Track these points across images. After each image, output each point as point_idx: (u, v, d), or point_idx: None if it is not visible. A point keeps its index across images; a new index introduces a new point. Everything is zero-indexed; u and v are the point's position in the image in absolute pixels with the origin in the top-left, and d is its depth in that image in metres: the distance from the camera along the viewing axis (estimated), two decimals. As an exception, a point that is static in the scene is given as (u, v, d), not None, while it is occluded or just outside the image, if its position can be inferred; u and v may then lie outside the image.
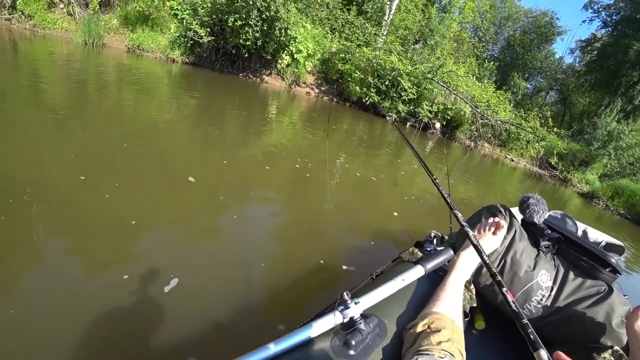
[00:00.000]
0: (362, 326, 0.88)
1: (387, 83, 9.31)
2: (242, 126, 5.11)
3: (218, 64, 9.41)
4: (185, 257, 1.94)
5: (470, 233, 1.26)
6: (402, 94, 9.17)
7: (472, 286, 1.38)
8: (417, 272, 1.17)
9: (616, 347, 1.24)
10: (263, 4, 8.19)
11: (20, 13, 7.91)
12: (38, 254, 1.71)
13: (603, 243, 1.59)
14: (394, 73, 9.21)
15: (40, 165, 2.44)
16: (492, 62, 18.10)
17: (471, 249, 1.29)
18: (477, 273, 1.40)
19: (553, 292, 1.34)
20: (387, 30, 12.63)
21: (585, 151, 13.53)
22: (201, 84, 7.62)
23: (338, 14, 12.08)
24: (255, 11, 8.21)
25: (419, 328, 0.94)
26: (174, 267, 1.81)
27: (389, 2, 12.55)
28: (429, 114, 9.27)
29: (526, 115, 11.63)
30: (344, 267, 2.27)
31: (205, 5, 8.55)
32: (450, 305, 1.05)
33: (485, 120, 10.33)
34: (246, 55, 9.17)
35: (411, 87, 9.17)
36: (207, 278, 1.85)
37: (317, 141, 5.16)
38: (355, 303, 0.91)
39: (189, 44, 8.96)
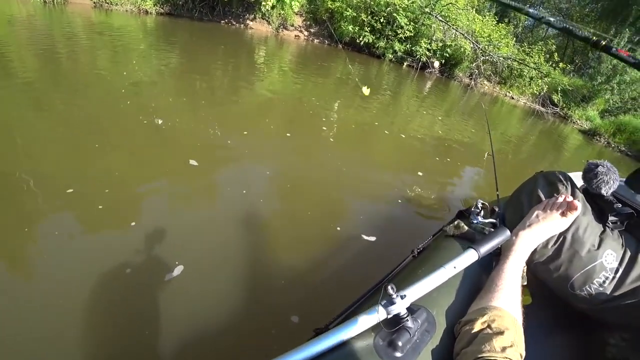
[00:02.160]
0: (409, 324, 0.79)
1: (382, 20, 8.61)
2: (231, 81, 4.68)
3: (196, 12, 8.60)
4: (189, 239, 1.72)
5: (534, 214, 1.19)
6: (399, 31, 8.54)
7: (525, 267, 1.24)
8: (469, 257, 1.03)
9: None
10: None
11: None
12: (37, 234, 1.55)
13: None
14: (389, 9, 8.48)
15: (29, 144, 2.16)
16: (492, -7, 16.90)
17: (533, 228, 1.17)
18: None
19: (618, 274, 1.20)
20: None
21: (587, 86, 13.11)
22: (180, 35, 6.94)
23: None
24: (234, -58, 7.34)
25: (477, 326, 0.82)
26: (178, 252, 1.61)
27: None
28: (427, 53, 8.72)
29: (530, 49, 11.02)
30: (364, 237, 2.04)
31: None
32: (511, 299, 0.92)
33: (487, 57, 9.78)
34: (226, 0, 8.36)
35: (408, 23, 8.52)
36: (213, 262, 1.63)
37: (314, 90, 4.81)
38: (402, 297, 0.81)
39: None
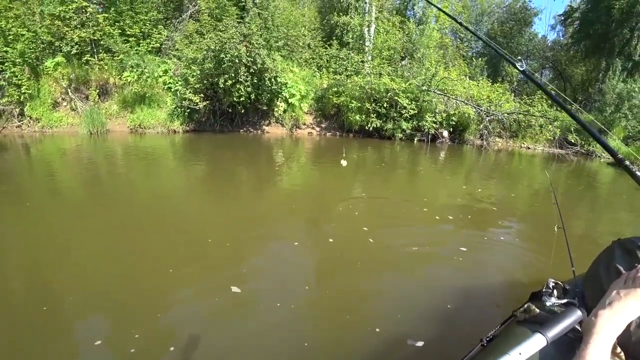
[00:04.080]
0: None
1: (385, 105, 9.32)
2: (255, 182, 5.06)
3: (218, 125, 9.63)
4: (212, 344, 1.74)
5: (614, 291, 1.01)
6: (403, 112, 9.15)
7: (618, 349, 1.10)
8: (537, 343, 0.95)
9: None
10: (249, 59, 8.45)
11: (28, 118, 8.39)
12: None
13: None
14: (389, 94, 9.24)
15: (76, 257, 2.41)
16: (479, 59, 18.17)
17: (615, 307, 1.03)
18: (626, 331, 1.08)
19: None
20: (372, 54, 12.86)
21: (600, 119, 13.13)
22: (205, 147, 7.78)
23: (321, 52, 12.39)
24: (243, 68, 8.46)
25: None
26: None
27: (367, 28, 12.87)
28: (434, 125, 9.18)
29: (530, 100, 11.41)
30: (409, 342, 1.79)
31: (194, 74, 8.88)
32: None
33: (492, 117, 10.16)
34: (242, 111, 9.38)
35: (410, 103, 9.15)
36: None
37: (334, 178, 5.07)
38: None
39: (186, 113, 9.26)
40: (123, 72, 9.16)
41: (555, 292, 1.20)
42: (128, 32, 9.57)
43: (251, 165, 6.06)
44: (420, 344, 1.78)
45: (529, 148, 11.37)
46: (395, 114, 9.20)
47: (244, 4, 10.86)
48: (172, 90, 9.43)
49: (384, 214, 3.92)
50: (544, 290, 1.19)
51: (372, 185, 5.01)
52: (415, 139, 9.22)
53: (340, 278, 2.47)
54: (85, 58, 8.98)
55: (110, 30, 9.11)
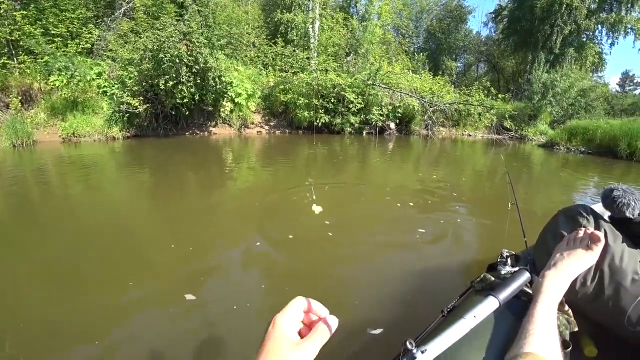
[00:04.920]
0: None
1: (332, 100, 9.42)
2: (205, 186, 4.84)
3: (161, 129, 9.12)
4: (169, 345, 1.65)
5: (557, 253, 1.13)
6: (350, 106, 9.31)
7: (567, 307, 1.17)
8: (489, 305, 1.01)
9: None
10: (190, 58, 8.11)
11: None
12: None
13: None
14: (336, 89, 9.35)
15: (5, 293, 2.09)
16: (420, 53, 19.05)
17: (559, 267, 1.13)
18: (571, 290, 1.18)
19: None
20: (317, 51, 12.96)
21: (529, 106, 14.28)
22: (148, 153, 7.27)
23: (266, 50, 12.26)
24: (184, 67, 8.10)
25: None
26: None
27: (311, 25, 12.94)
28: (381, 118, 9.45)
29: (469, 91, 12.16)
30: (370, 331, 1.77)
31: (132, 76, 8.35)
32: (545, 341, 0.88)
33: (435, 107, 10.66)
34: (187, 113, 8.97)
35: (356, 97, 9.33)
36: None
37: (286, 176, 5.00)
38: (422, 352, 0.78)
39: (125, 118, 8.56)
40: (49, 76, 8.31)
41: (509, 261, 1.26)
42: (53, 32, 8.76)
43: (200, 169, 5.77)
44: (378, 331, 1.78)
45: (470, 135, 12.10)
46: (343, 109, 9.34)
47: (182, 0, 10.43)
48: (108, 94, 8.76)
49: (342, 205, 3.93)
50: (498, 260, 1.25)
51: (327, 178, 4.99)
52: (364, 132, 9.43)
53: (300, 273, 2.42)
54: (2, 61, 8.09)
55: (31, 29, 8.26)
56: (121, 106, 8.37)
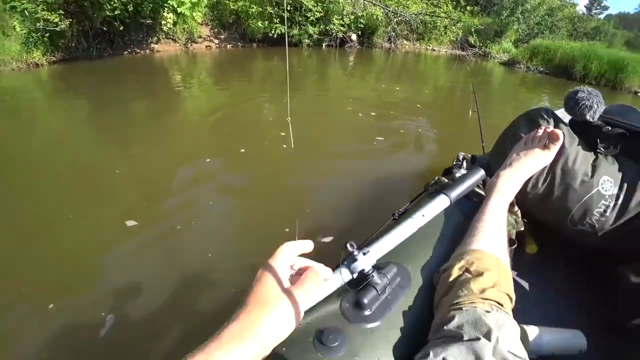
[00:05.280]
0: (375, 279, 0.73)
1: (288, 9, 8.44)
2: (152, 109, 4.25)
3: (94, 50, 7.76)
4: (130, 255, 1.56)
5: (514, 153, 1.13)
6: (309, 15, 8.41)
7: (516, 208, 1.18)
8: (440, 203, 0.98)
9: None
10: (116, -43, 6.71)
11: None
12: None
13: None
14: (292, -6, 8.35)
15: None
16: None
17: (514, 166, 1.11)
18: (523, 191, 1.17)
19: (620, 200, 1.15)
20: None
21: (496, 22, 13.95)
22: (83, 79, 6.18)
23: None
24: (110, -33, 6.73)
25: (455, 272, 0.77)
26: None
27: None
28: (342, 29, 8.71)
29: (437, 1, 11.42)
30: (321, 240, 1.76)
31: (45, -19, 6.83)
32: (493, 239, 0.87)
33: (400, 18, 9.97)
34: (122, 28, 7.66)
35: (315, 5, 8.42)
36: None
37: (242, 93, 4.52)
38: (364, 254, 0.74)
39: (46, 39, 7.04)
40: None
41: (464, 163, 1.26)
42: None
43: (144, 91, 5.04)
44: (329, 239, 1.77)
45: (434, 50, 11.72)
46: (300, 18, 8.44)
47: None
48: (18, 9, 7.06)
49: (302, 117, 3.69)
50: (454, 163, 1.25)
51: (284, 91, 4.55)
52: (324, 44, 8.74)
53: (250, 188, 2.26)
54: None
55: None
56: (38, 24, 6.83)
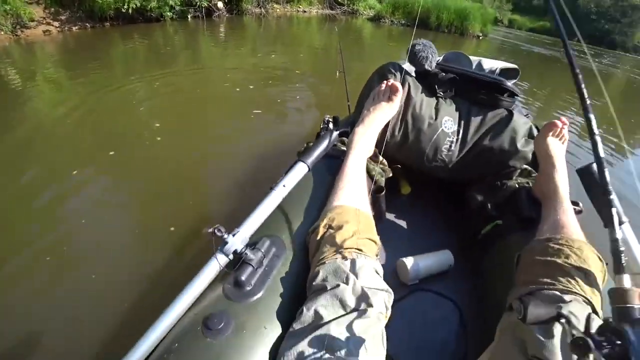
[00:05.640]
0: (249, 255, 0.77)
1: None
2: None
3: None
4: None
5: (365, 109, 1.20)
6: None
7: (380, 157, 1.27)
8: (298, 171, 1.02)
9: (524, 166, 1.32)
10: None
11: None
12: None
13: (497, 70, 1.59)
14: (140, -42, 7.31)
15: None
16: None
17: (366, 121, 1.18)
18: (382, 141, 1.27)
19: (460, 135, 1.30)
20: None
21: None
22: None
23: None
24: None
25: (321, 230, 0.83)
26: None
27: None
28: None
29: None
30: (208, 230, 1.68)
31: None
32: (352, 192, 0.93)
33: (265, -20, 9.71)
34: None
35: (170, -30, 7.58)
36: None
37: (103, 83, 3.90)
38: (233, 235, 0.78)
39: None
40: None
41: (330, 125, 1.29)
42: None
43: None
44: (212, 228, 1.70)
45: (305, 12, 11.86)
46: None
47: None
48: None
49: (174, 99, 3.47)
50: (321, 127, 1.29)
51: (154, 73, 4.16)
52: (189, 17, 8.05)
53: (130, 192, 2.11)
54: None
55: None
56: None
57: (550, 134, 1.19)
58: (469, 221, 1.28)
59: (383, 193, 1.17)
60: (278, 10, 10.72)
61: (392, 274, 1.19)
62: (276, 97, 3.71)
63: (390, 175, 1.26)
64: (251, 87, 3.97)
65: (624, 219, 0.92)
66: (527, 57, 12.83)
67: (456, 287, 0.98)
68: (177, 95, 3.61)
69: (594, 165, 0.92)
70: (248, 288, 0.73)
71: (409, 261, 1.15)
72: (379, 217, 1.23)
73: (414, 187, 1.53)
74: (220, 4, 8.58)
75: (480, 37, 14.29)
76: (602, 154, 0.73)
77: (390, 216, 1.42)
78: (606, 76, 11.95)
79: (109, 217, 1.87)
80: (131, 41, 6.01)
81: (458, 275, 1.02)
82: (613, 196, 0.85)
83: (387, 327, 0.92)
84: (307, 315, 0.65)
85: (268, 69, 4.74)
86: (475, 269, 1.16)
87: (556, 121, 1.21)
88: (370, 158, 1.22)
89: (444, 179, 1.39)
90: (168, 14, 7.44)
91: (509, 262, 0.94)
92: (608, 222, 0.80)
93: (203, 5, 8.09)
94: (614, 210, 0.80)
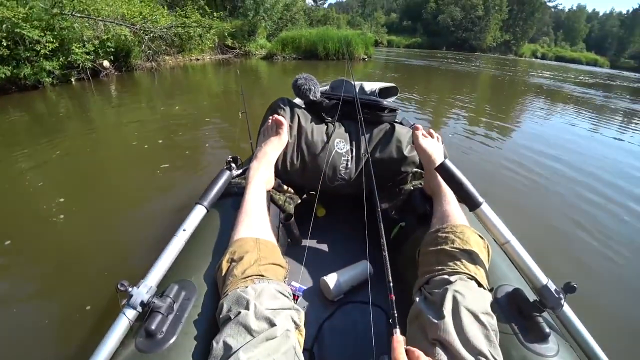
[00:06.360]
0: (157, 304, 0.74)
1: (5, 44, 6.83)
2: None
3: None
4: None
5: (258, 145, 1.26)
6: (38, 47, 7.07)
7: (285, 187, 1.35)
8: (197, 213, 1.02)
9: (414, 169, 1.44)
10: None
11: None
12: None
13: (376, 90, 1.72)
14: (4, 26, 6.74)
15: None
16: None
17: (259, 156, 1.25)
18: (285, 171, 1.36)
19: (354, 153, 1.39)
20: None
21: (246, 22, 15.26)
22: None
23: None
24: None
25: (224, 266, 0.84)
26: None
27: None
28: (88, 57, 7.71)
29: (184, 12, 11.53)
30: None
31: None
32: (250, 223, 0.96)
33: (151, 34, 9.65)
34: None
35: (43, 34, 7.12)
36: None
37: None
38: (137, 287, 0.76)
39: None
40: None
41: (233, 164, 1.34)
42: None
43: None
44: (87, 307, 1.67)
45: (198, 59, 12.02)
46: (28, 53, 7.01)
47: None
48: None
49: (76, 170, 3.29)
50: (225, 167, 1.30)
51: (43, 146, 3.82)
52: (73, 79, 7.59)
53: (35, 284, 1.95)
54: None
55: None
56: None
57: (421, 135, 1.30)
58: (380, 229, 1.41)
59: (292, 219, 1.25)
60: (170, 61, 10.69)
61: (319, 293, 1.25)
62: (185, 148, 3.81)
63: (299, 202, 1.35)
64: (160, 141, 3.99)
65: (480, 200, 0.99)
66: (409, 69, 14.85)
67: (379, 293, 0.97)
68: (77, 165, 3.42)
69: (447, 161, 1.05)
70: (160, 336, 0.71)
71: (330, 278, 1.20)
72: (295, 242, 1.33)
73: (329, 209, 1.64)
74: (106, 63, 8.27)
75: (366, 59, 16.05)
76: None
77: (311, 240, 1.49)
78: (478, 74, 14.61)
79: (16, 314, 1.74)
80: (5, 113, 5.41)
81: (378, 282, 1.01)
82: (467, 184, 1.01)
83: (321, 344, 1.06)
84: (217, 348, 0.65)
85: (174, 121, 4.77)
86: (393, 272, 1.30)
87: (416, 124, 1.38)
88: (275, 189, 1.30)
89: (350, 195, 1.48)
90: (46, 79, 6.93)
91: (415, 259, 1.01)
92: (469, 206, 1.00)
93: (87, 67, 7.71)
94: (470, 194, 0.98)
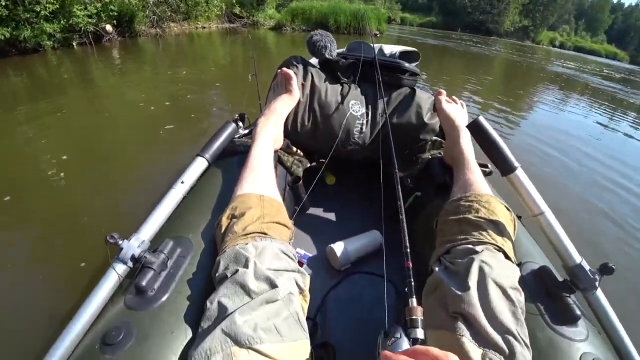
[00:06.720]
0: (150, 259, 0.71)
1: (4, 4, 6.56)
2: None
3: None
4: None
5: (268, 102, 1.22)
6: (38, 8, 6.78)
7: (294, 149, 1.28)
8: (198, 166, 0.98)
9: (434, 138, 1.38)
10: None
11: None
12: None
13: (397, 53, 1.64)
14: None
15: None
16: None
17: (266, 112, 1.18)
18: (295, 132, 1.29)
19: (369, 117, 1.32)
20: None
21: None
22: None
23: None
24: None
25: (224, 223, 0.79)
26: None
27: None
28: (90, 20, 7.43)
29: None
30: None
31: None
32: (255, 179, 0.91)
33: (155, -1, 9.28)
34: None
35: (41, -8, 6.80)
36: None
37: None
38: (128, 240, 0.72)
39: None
40: None
41: (240, 122, 1.31)
42: None
43: None
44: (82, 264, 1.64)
45: (204, 27, 11.66)
46: (28, 14, 6.71)
47: None
48: None
49: (81, 129, 3.24)
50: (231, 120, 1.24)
51: (50, 107, 3.71)
52: (74, 43, 7.36)
53: (37, 236, 1.93)
54: None
55: None
56: None
57: (444, 100, 1.26)
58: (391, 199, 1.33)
59: (300, 182, 1.19)
60: (175, 29, 10.35)
61: (325, 262, 1.19)
62: (190, 110, 3.79)
63: (308, 165, 1.29)
64: (167, 103, 3.98)
65: (516, 164, 0.92)
66: (423, 48, 14.36)
67: (388, 265, 0.93)
68: (84, 126, 3.33)
69: (481, 118, 0.97)
70: (151, 293, 0.68)
71: (337, 247, 1.14)
72: (302, 207, 1.25)
73: (339, 177, 1.59)
74: (109, 27, 7.99)
75: (378, 35, 15.55)
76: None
77: (318, 208, 1.44)
78: (494, 58, 14.20)
79: (10, 269, 1.70)
80: (4, 77, 5.24)
81: (389, 253, 0.97)
82: (502, 144, 0.93)
83: (325, 314, 1.00)
84: (211, 309, 0.61)
85: (182, 84, 4.70)
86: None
87: (440, 90, 1.31)
88: (284, 150, 1.24)
89: (363, 161, 1.43)
90: (47, 42, 6.72)
91: (432, 230, 0.96)
92: (502, 170, 0.94)
93: (89, 31, 7.46)
94: (505, 156, 0.90)
